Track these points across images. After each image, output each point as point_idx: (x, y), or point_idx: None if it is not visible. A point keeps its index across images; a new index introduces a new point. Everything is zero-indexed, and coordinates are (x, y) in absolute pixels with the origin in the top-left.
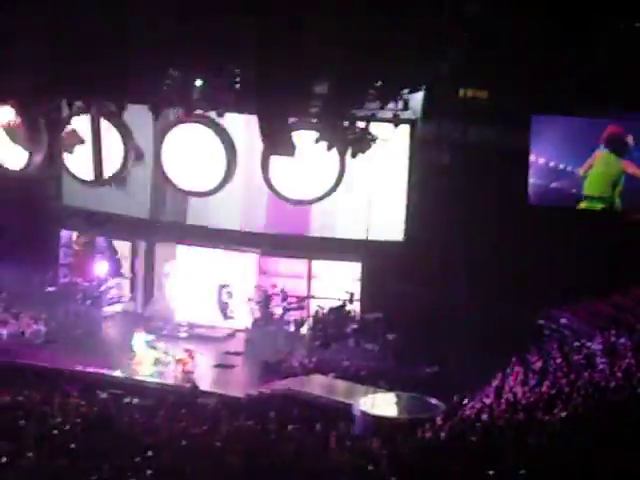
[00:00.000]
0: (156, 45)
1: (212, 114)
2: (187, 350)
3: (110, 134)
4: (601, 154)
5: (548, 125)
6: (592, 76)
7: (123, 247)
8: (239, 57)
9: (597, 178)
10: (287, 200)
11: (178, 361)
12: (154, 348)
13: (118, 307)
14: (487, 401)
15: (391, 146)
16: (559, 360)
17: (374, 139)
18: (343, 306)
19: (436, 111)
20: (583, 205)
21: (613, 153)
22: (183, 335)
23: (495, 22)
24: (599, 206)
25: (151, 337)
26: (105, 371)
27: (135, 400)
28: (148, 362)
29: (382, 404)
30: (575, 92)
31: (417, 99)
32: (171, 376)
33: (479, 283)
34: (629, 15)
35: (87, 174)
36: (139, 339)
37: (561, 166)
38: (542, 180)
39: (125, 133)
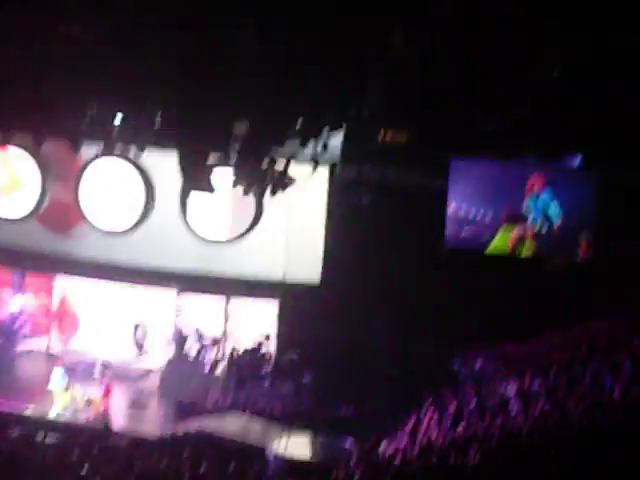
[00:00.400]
0: (76, 79)
1: (132, 150)
2: (105, 387)
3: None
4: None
5: (467, 169)
6: (513, 120)
7: (38, 282)
8: (159, 93)
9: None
10: (203, 240)
11: (89, 402)
12: (67, 387)
13: (32, 344)
14: (401, 443)
15: (309, 187)
16: (473, 403)
17: (292, 180)
18: (259, 347)
19: (355, 153)
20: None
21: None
22: (97, 374)
23: (417, 62)
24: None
25: (65, 375)
26: (17, 409)
27: (47, 439)
28: (61, 401)
29: (296, 446)
30: (496, 137)
31: (336, 140)
32: (83, 415)
33: (395, 325)
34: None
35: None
36: (56, 376)
37: (473, 213)
38: (456, 225)
39: (44, 168)
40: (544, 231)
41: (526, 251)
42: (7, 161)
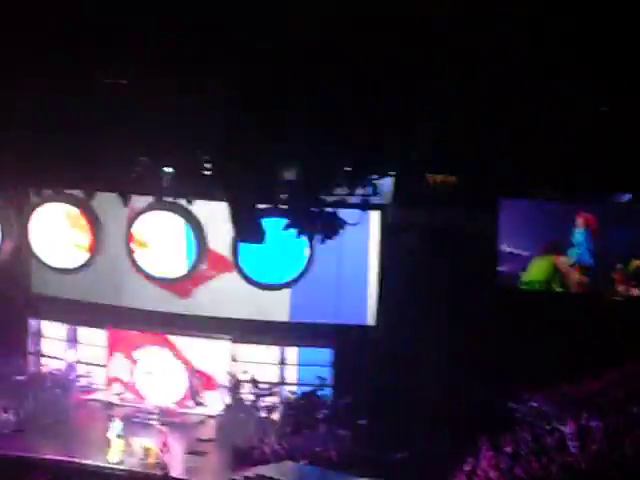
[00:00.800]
0: (125, 132)
1: (181, 201)
2: (162, 436)
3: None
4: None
5: (515, 208)
6: (560, 159)
7: (93, 334)
8: (208, 144)
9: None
10: (257, 285)
11: (146, 450)
12: (122, 436)
13: (89, 395)
14: None
15: (360, 230)
16: (531, 444)
17: (343, 224)
18: (314, 392)
19: (405, 196)
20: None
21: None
22: (154, 422)
23: (461, 106)
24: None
25: (121, 425)
26: (75, 460)
27: None
28: (119, 450)
29: None
30: (543, 176)
31: (386, 184)
32: (142, 464)
33: (450, 367)
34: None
35: (58, 261)
36: (115, 427)
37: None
38: (509, 264)
39: (94, 220)
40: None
41: (574, 284)
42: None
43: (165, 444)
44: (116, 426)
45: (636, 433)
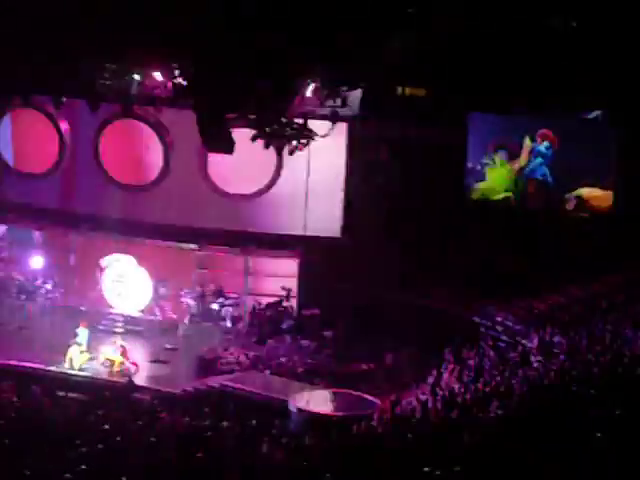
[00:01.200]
0: (93, 38)
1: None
2: (121, 347)
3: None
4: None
5: (483, 123)
6: (527, 75)
7: (59, 240)
8: (178, 53)
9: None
10: (225, 195)
11: (107, 360)
12: (87, 344)
13: (53, 301)
14: (422, 398)
15: (329, 143)
16: (494, 357)
17: (312, 136)
18: (280, 302)
19: (374, 109)
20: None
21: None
22: (119, 330)
23: (434, 20)
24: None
25: (86, 332)
26: (39, 366)
27: (70, 395)
28: (82, 357)
29: (318, 401)
30: (510, 90)
31: (355, 96)
32: (106, 371)
33: (415, 279)
34: (565, 14)
35: (26, 167)
36: (81, 334)
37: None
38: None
39: (61, 127)
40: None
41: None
42: None
43: (126, 355)
44: (84, 335)
45: (597, 349)
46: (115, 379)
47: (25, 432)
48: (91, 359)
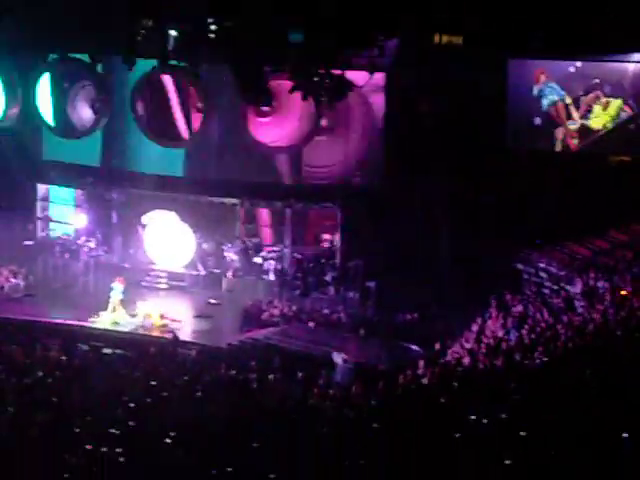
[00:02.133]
0: None
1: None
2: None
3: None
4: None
5: (525, 69)
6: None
7: (101, 199)
8: (213, 7)
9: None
10: (265, 148)
11: (146, 316)
12: (129, 301)
13: (98, 259)
14: (467, 346)
15: (367, 93)
16: (538, 304)
17: (350, 86)
18: (322, 254)
19: (412, 57)
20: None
21: None
22: (162, 286)
23: None
24: None
25: (122, 288)
26: (85, 323)
27: (116, 352)
28: (119, 313)
29: (363, 351)
30: (547, 35)
31: (392, 46)
32: (150, 327)
33: (457, 228)
34: None
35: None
36: (116, 289)
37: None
38: (519, 122)
39: (100, 85)
40: None
41: None
42: None
43: (164, 316)
44: (115, 289)
45: None
46: (157, 334)
47: (72, 390)
48: (131, 315)
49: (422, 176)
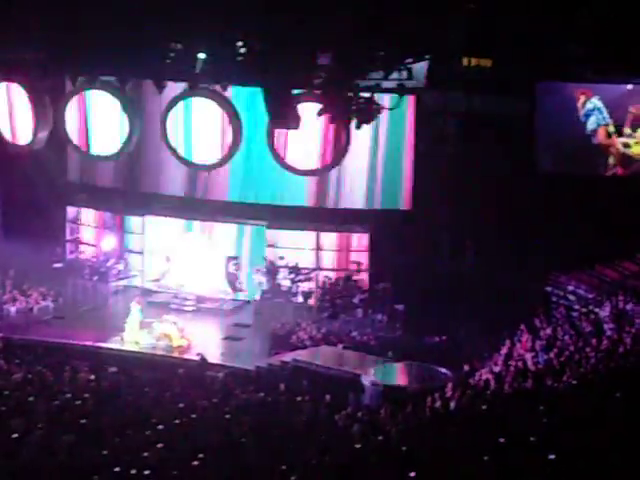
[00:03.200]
0: (158, 17)
1: (216, 87)
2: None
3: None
4: None
5: (552, 92)
6: (594, 42)
7: (130, 222)
8: (242, 29)
9: None
10: (294, 171)
11: (164, 335)
12: (138, 321)
13: (126, 282)
14: (496, 369)
15: (396, 116)
16: (567, 327)
17: (379, 109)
18: (351, 277)
19: (440, 80)
20: None
21: None
22: (190, 308)
23: None
24: None
25: (139, 308)
26: (113, 345)
27: (142, 373)
28: (139, 334)
29: (391, 374)
30: (578, 59)
31: (421, 68)
32: (166, 348)
33: (486, 251)
34: None
35: (94, 149)
36: (134, 311)
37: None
38: (549, 148)
39: (129, 107)
40: None
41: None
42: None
43: (182, 331)
44: (133, 310)
45: None
46: (177, 354)
47: (101, 412)
48: (150, 335)
49: (450, 199)
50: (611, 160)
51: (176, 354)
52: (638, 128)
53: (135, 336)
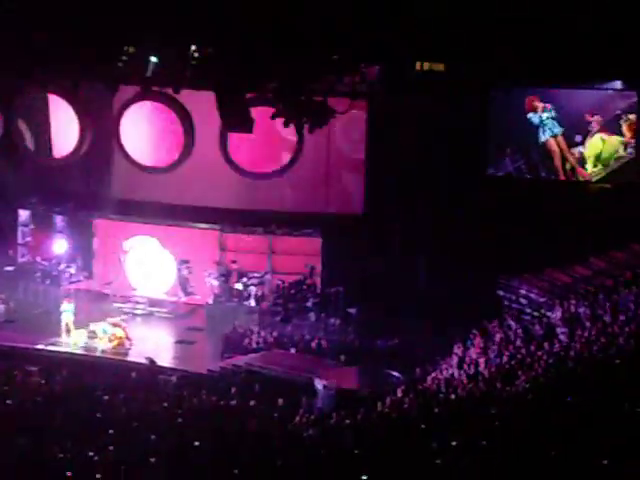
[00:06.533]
0: (110, 20)
1: (168, 90)
2: (116, 324)
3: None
4: None
5: (505, 97)
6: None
7: (82, 224)
8: (194, 32)
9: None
10: (246, 174)
11: (114, 336)
12: (71, 320)
13: (78, 285)
14: (448, 372)
15: (348, 119)
16: (519, 330)
17: (332, 113)
18: (303, 280)
19: (393, 84)
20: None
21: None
22: (142, 312)
23: None
24: None
25: (72, 308)
26: (65, 349)
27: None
28: (78, 334)
29: (344, 378)
30: (528, 64)
31: (374, 72)
32: (104, 346)
33: (437, 255)
34: None
35: (45, 152)
36: (67, 310)
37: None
38: (500, 152)
39: (81, 111)
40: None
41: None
42: None
43: (125, 331)
44: (65, 309)
45: (620, 319)
46: (112, 355)
47: (53, 415)
48: (90, 335)
49: (402, 203)
50: (568, 166)
51: (119, 355)
52: (588, 137)
53: (74, 337)
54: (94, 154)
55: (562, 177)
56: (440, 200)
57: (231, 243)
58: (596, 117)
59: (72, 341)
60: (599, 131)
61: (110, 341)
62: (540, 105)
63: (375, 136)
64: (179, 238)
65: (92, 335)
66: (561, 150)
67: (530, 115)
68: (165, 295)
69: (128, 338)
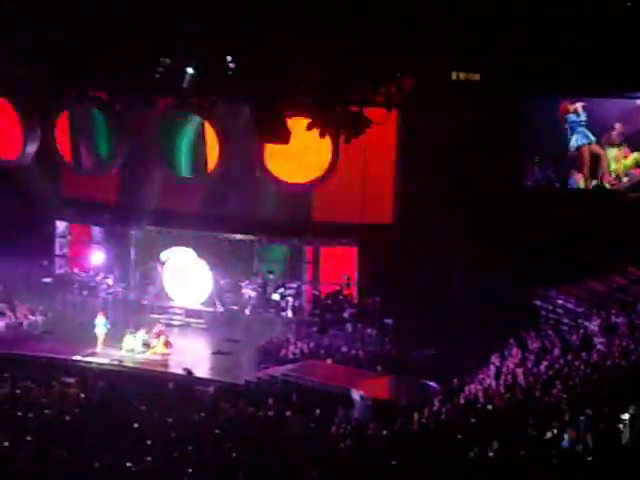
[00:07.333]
0: (148, 34)
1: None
2: (158, 333)
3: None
4: None
5: (539, 106)
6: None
7: (119, 236)
8: (231, 45)
9: None
10: (283, 185)
11: (145, 345)
12: (104, 333)
13: (115, 296)
14: (485, 383)
15: (384, 130)
16: (556, 341)
17: (368, 123)
18: (340, 291)
19: (429, 94)
20: None
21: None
22: (179, 323)
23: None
24: None
25: (104, 321)
26: (104, 360)
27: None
28: (132, 342)
29: (380, 388)
30: (564, 73)
31: (409, 82)
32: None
33: (474, 265)
34: None
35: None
36: (100, 323)
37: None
38: (535, 162)
39: (120, 123)
40: None
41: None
42: None
43: (166, 339)
44: (98, 323)
45: None
46: (150, 367)
47: (90, 426)
48: (151, 351)
49: (439, 213)
50: (600, 172)
51: (161, 367)
52: (619, 146)
53: (126, 344)
54: (129, 165)
55: (590, 186)
56: (476, 211)
57: (268, 253)
58: (618, 125)
59: (125, 347)
60: (619, 145)
61: (153, 352)
62: (578, 105)
63: (409, 146)
64: (216, 249)
65: (139, 344)
66: (597, 157)
67: (569, 116)
68: (202, 306)
69: (170, 346)
